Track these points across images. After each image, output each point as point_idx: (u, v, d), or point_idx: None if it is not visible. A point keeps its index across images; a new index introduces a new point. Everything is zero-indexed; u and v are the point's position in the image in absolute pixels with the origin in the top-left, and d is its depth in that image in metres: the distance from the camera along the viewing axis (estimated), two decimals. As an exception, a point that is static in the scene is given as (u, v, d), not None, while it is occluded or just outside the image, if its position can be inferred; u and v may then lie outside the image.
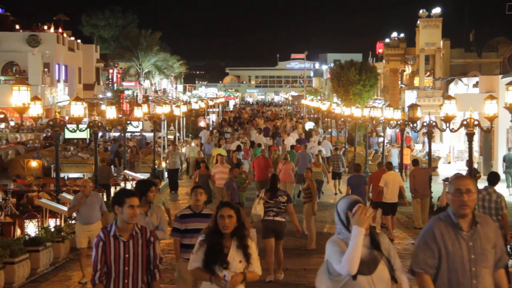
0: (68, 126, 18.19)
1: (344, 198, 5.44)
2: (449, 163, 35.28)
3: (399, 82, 52.32)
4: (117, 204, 6.47)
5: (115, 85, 71.91)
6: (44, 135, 38.89)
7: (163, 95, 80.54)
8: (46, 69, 49.50)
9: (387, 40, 51.33)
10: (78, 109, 18.40)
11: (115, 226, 6.51)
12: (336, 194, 25.69)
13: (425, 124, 20.91)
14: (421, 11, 40.93)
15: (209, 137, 35.64)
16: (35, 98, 16.37)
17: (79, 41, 60.34)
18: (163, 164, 29.80)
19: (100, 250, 6.46)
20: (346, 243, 5.19)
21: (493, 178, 12.23)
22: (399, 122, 24.99)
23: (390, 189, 17.27)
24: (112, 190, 20.56)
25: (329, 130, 47.75)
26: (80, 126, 18.79)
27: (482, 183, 21.66)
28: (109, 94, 63.63)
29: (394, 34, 49.90)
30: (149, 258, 6.57)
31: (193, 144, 32.25)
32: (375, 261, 5.27)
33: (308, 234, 15.99)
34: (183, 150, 32.09)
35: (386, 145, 32.78)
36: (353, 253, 5.08)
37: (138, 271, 6.51)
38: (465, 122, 16.70)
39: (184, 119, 42.49)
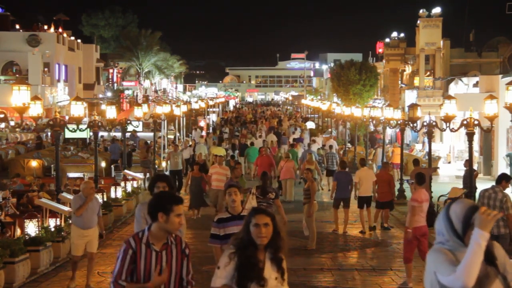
0: (68, 126, 18.18)
1: (459, 204, 4.41)
2: (449, 163, 35.28)
3: (399, 82, 52.32)
4: (163, 211, 5.56)
5: (115, 85, 71.93)
6: (43, 135, 38.85)
7: (163, 95, 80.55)
8: (46, 69, 49.51)
9: (387, 40, 51.33)
10: (78, 109, 18.38)
11: (148, 233, 5.64)
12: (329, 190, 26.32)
13: (425, 124, 20.91)
14: (421, 11, 40.92)
15: (205, 136, 35.65)
16: (35, 98, 16.34)
17: (79, 41, 60.35)
18: (163, 164, 29.74)
19: (128, 258, 5.55)
20: (454, 254, 4.30)
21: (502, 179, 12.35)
22: (399, 122, 25.00)
23: (364, 184, 18.47)
24: (112, 190, 20.54)
25: (329, 130, 47.79)
26: (80, 126, 18.78)
27: (483, 182, 21.75)
28: (109, 94, 63.66)
29: (394, 34, 49.90)
30: (182, 273, 5.71)
31: (195, 144, 32.16)
32: (489, 278, 4.33)
33: (309, 234, 16.02)
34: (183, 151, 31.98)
35: (386, 145, 32.80)
36: (472, 261, 4.12)
37: (171, 287, 5.67)
38: (465, 122, 16.70)
39: (184, 119, 42.50)
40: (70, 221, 13.10)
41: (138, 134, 37.31)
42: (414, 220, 12.18)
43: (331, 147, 29.55)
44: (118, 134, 32.38)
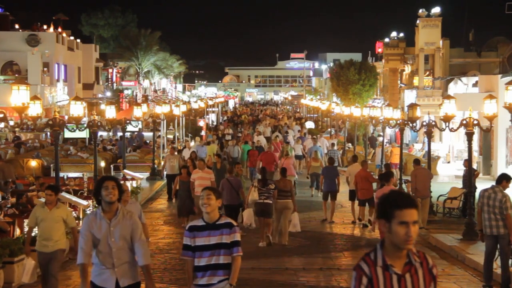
0: (68, 125, 18.17)
1: None
2: (449, 162, 35.29)
3: (399, 81, 52.30)
4: (384, 217, 4.34)
5: (115, 84, 71.90)
6: (43, 135, 38.84)
7: (163, 94, 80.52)
8: (45, 69, 49.49)
9: (387, 39, 51.30)
10: (78, 109, 18.36)
11: (382, 251, 4.39)
12: None
13: (424, 123, 20.92)
14: (420, 11, 40.91)
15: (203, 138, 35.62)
16: (34, 97, 16.34)
17: (78, 40, 60.32)
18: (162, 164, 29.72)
19: None
20: None
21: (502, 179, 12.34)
22: (398, 122, 25.01)
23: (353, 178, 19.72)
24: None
25: (329, 129, 47.82)
26: (80, 125, 18.76)
27: (482, 182, 21.74)
28: (108, 94, 63.63)
29: (394, 34, 49.87)
30: None
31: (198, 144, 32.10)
32: None
33: (282, 229, 16.49)
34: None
35: (386, 145, 32.80)
36: None
37: None
38: (464, 122, 16.71)
39: (184, 118, 42.51)
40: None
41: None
42: None
43: (333, 145, 30.00)
44: (127, 134, 32.45)
